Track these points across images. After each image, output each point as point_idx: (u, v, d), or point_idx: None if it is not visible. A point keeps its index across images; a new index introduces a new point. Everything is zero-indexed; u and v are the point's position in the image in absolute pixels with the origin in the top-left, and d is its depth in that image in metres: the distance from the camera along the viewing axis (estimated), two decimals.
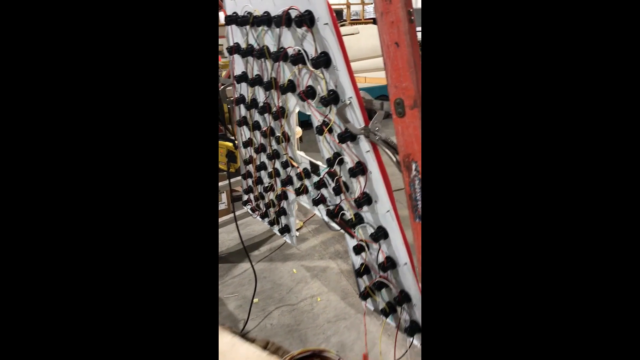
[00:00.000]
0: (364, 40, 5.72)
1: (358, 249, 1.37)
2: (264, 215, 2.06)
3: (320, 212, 1.55)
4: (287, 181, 1.67)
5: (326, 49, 1.11)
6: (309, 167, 1.53)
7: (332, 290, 2.45)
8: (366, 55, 5.71)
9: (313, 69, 1.16)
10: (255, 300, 2.38)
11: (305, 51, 1.18)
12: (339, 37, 1.07)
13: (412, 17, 0.90)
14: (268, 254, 2.86)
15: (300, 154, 1.57)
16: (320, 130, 1.25)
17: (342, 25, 6.59)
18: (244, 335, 2.14)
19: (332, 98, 1.16)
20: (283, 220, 1.92)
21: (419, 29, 1.34)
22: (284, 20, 1.17)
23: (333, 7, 1.07)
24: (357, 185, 1.27)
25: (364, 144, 1.17)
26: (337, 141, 1.19)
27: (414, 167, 0.97)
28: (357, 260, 1.44)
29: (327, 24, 1.07)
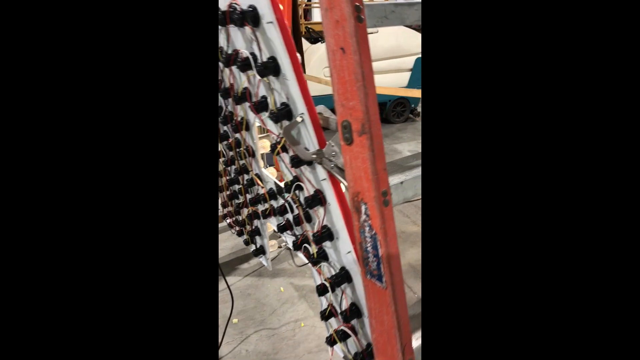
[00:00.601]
0: (383, 40, 5.40)
1: (321, 290, 1.16)
2: (240, 233, 1.87)
3: (288, 239, 1.34)
4: (256, 200, 1.47)
5: (274, 53, 0.91)
6: (274, 188, 1.33)
7: (319, 314, 2.23)
8: (385, 55, 5.41)
9: (260, 77, 0.95)
10: (234, 320, 2.20)
11: (254, 55, 0.97)
12: (287, 39, 0.86)
13: (362, 16, 0.68)
14: (257, 268, 2.68)
15: (267, 172, 1.36)
16: (273, 149, 1.05)
17: None
18: None
19: (284, 113, 0.95)
20: (258, 240, 1.72)
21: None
22: (228, 17, 0.96)
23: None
24: (317, 217, 1.06)
25: (321, 171, 0.95)
26: (290, 165, 0.99)
27: (363, 209, 0.75)
28: (323, 302, 1.23)
29: (271, 22, 0.86)
